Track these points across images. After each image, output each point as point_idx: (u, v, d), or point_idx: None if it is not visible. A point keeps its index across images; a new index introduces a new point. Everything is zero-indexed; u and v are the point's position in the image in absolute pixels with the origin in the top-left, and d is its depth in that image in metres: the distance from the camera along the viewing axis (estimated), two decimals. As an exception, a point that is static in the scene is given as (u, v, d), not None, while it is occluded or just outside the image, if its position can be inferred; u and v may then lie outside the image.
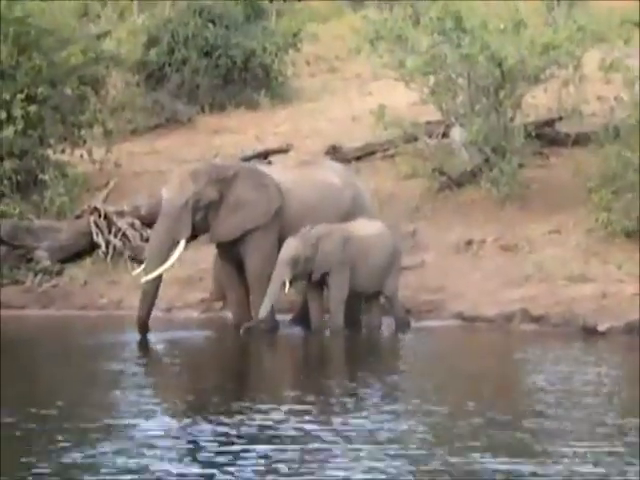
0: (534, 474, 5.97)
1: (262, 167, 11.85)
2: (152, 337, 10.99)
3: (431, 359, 10.24)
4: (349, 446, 6.56)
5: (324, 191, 11.47)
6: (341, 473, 6.04)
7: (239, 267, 11.30)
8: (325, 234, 11.09)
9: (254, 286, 11.14)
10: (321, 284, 11.22)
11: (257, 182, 11.22)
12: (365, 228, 11.37)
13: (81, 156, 14.95)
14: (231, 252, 11.27)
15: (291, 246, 10.92)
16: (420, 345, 10.90)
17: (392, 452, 6.46)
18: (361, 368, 9.60)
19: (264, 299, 10.82)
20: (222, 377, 9.50)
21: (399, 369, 9.89)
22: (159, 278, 11.10)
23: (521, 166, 13.87)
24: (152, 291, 11.02)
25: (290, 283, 10.92)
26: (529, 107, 14.26)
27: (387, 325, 11.45)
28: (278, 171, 11.61)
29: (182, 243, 10.99)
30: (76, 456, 6.34)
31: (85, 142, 14.94)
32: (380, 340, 11.34)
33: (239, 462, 6.20)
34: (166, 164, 15.55)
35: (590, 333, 11.07)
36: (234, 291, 11.44)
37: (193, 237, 11.22)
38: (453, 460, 6.27)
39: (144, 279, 11.03)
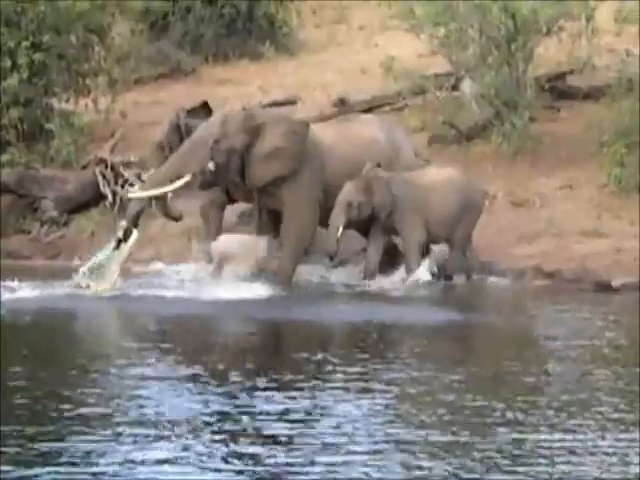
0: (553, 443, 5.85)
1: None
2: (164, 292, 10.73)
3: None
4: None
5: (365, 147, 11.34)
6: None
7: (275, 220, 11.20)
8: (375, 177, 11.10)
9: (284, 240, 11.03)
10: (385, 231, 11.24)
11: (287, 129, 11.06)
12: (428, 175, 11.37)
13: (86, 105, 14.76)
14: (268, 204, 11.16)
15: (344, 191, 11.04)
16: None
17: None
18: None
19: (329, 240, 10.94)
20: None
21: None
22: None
23: (532, 120, 13.73)
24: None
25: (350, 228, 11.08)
26: (541, 60, 14.07)
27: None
28: (317, 128, 11.46)
29: (186, 178, 10.66)
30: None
31: (90, 91, 14.75)
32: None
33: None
34: (171, 115, 15.37)
35: (604, 289, 10.97)
36: None
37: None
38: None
39: (133, 194, 10.86)
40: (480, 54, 13.84)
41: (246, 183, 11.01)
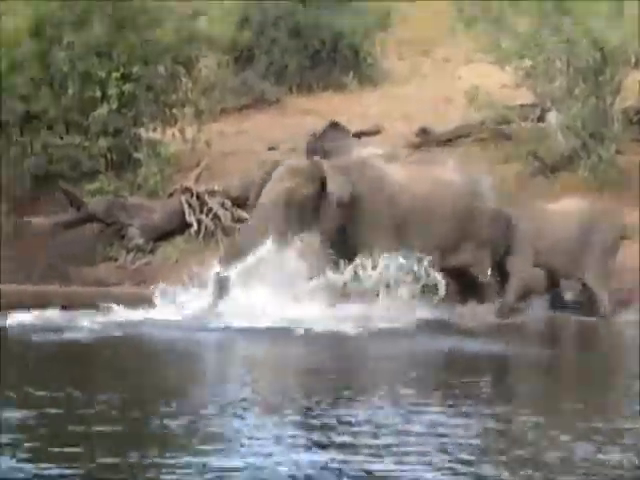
0: None
1: (376, 161, 11.73)
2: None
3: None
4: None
5: (439, 187, 11.38)
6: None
7: None
8: (494, 217, 11.40)
9: None
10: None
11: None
12: (547, 208, 11.52)
13: (173, 135, 14.96)
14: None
15: None
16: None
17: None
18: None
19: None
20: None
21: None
22: None
23: (619, 153, 13.59)
24: None
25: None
26: (628, 92, 13.94)
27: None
28: (393, 166, 11.56)
29: (268, 242, 10.87)
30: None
31: (177, 121, 14.95)
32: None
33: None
34: (255, 144, 15.54)
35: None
36: None
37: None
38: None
39: None
40: (567, 86, 13.75)
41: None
